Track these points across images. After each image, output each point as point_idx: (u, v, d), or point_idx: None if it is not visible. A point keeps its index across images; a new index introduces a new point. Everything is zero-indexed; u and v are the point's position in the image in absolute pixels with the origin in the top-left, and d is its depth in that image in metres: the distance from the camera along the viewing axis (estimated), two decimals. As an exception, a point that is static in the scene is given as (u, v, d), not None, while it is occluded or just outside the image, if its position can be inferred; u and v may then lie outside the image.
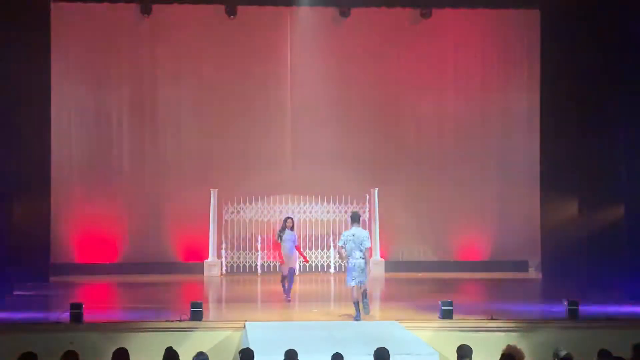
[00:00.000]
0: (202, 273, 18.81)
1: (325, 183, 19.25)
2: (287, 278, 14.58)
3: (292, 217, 15.63)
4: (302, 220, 19.28)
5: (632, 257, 15.33)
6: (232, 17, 19.39)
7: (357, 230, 12.43)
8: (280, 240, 14.58)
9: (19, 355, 7.67)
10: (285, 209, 19.18)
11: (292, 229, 14.79)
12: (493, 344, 10.53)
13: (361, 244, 12.24)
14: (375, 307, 15.60)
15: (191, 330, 11.82)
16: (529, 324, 12.24)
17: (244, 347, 9.49)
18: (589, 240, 16.73)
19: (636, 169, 15.41)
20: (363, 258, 12.26)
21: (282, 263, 14.78)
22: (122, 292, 16.94)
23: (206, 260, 18.99)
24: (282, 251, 14.54)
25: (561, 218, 18.04)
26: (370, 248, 13.19)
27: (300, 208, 19.35)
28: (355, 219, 12.62)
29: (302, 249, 18.09)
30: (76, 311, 11.94)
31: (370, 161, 19.70)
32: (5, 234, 15.79)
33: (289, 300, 14.51)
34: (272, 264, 19.24)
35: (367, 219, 19.37)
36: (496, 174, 20.08)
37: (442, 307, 12.38)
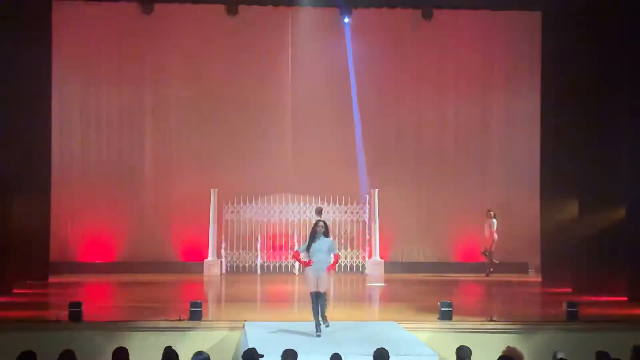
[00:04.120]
0: (202, 272, 18.81)
1: (325, 183, 19.25)
2: (315, 304, 11.42)
3: (323, 220, 12.18)
4: (302, 220, 19.28)
5: (632, 259, 15.33)
6: (233, 16, 19.39)
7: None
8: (308, 251, 11.46)
9: (18, 355, 7.67)
10: (285, 208, 19.19)
11: (326, 234, 11.59)
12: (492, 346, 10.52)
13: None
14: (375, 308, 15.69)
15: (190, 330, 11.82)
16: (528, 326, 12.24)
17: (243, 347, 9.50)
18: (589, 242, 16.71)
19: (637, 170, 15.41)
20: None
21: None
22: (121, 291, 16.93)
23: (206, 260, 18.99)
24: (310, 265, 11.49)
25: (561, 220, 18.02)
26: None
27: (300, 208, 19.34)
28: (318, 212, 16.54)
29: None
30: (75, 310, 11.94)
31: (370, 162, 19.69)
32: (5, 232, 15.79)
33: (319, 335, 11.31)
34: (271, 264, 19.24)
35: (367, 220, 19.38)
36: (496, 176, 20.08)
37: (442, 308, 12.39)
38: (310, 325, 11.48)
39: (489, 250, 19.08)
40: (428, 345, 11.02)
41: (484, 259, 19.50)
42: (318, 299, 11.42)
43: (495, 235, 18.94)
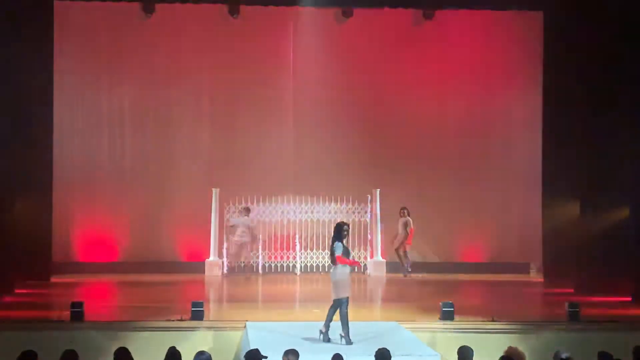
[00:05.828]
0: (203, 272, 18.78)
1: (327, 183, 19.21)
2: (343, 313, 11.02)
3: (347, 223, 11.68)
4: (303, 220, 19.27)
5: (634, 259, 15.32)
6: (234, 16, 19.39)
7: (245, 219, 18.27)
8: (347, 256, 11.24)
9: (19, 354, 7.67)
10: (287, 209, 19.18)
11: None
12: (494, 346, 10.52)
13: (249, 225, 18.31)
14: (377, 308, 15.68)
15: (192, 330, 11.82)
16: (530, 326, 12.24)
17: (245, 347, 9.49)
18: (590, 243, 16.71)
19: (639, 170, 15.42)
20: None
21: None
22: (123, 291, 16.94)
23: (207, 260, 18.98)
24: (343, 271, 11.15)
25: (563, 220, 18.02)
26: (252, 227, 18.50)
27: (301, 208, 19.32)
28: (247, 212, 18.42)
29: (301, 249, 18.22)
30: (77, 310, 11.95)
31: (372, 162, 19.67)
32: (7, 232, 15.79)
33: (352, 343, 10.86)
34: (272, 264, 19.23)
35: (368, 220, 19.37)
36: (498, 176, 20.05)
37: (443, 309, 12.40)
38: (311, 325, 11.40)
39: (402, 249, 18.89)
40: (430, 345, 11.02)
41: (485, 259, 19.48)
42: (345, 304, 11.01)
43: (408, 231, 18.67)
